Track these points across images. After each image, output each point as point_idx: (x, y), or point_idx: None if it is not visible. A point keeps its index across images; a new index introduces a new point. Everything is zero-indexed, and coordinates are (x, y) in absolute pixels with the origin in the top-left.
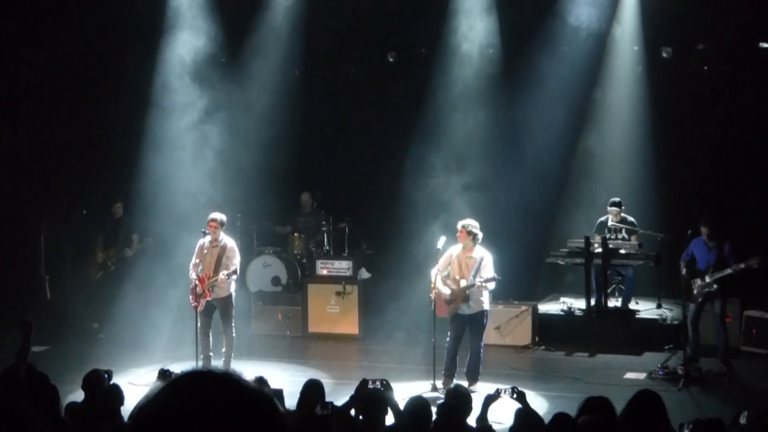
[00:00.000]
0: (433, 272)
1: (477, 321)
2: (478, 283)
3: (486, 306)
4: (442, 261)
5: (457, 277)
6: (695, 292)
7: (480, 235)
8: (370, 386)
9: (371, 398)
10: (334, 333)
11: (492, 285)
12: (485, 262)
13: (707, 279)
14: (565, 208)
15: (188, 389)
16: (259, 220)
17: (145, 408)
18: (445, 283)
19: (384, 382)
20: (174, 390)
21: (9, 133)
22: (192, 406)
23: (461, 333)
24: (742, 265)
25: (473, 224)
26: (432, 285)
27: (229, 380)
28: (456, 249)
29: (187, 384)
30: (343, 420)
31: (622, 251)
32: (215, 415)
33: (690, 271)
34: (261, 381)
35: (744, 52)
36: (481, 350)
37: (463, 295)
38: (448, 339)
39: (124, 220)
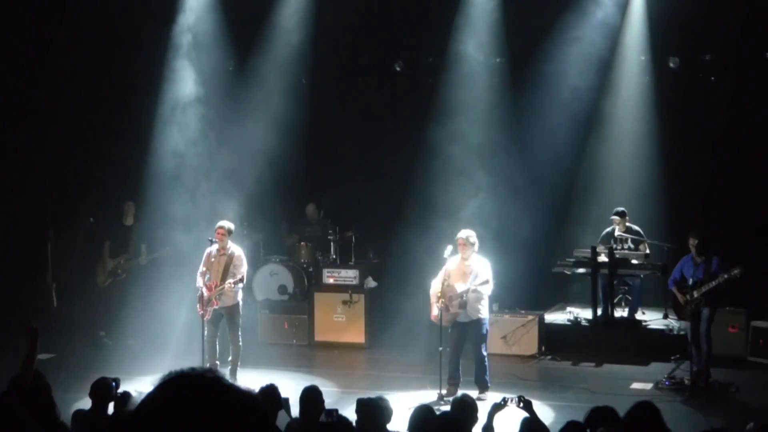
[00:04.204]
0: (434, 284)
1: (476, 328)
2: (473, 287)
3: (484, 314)
4: (441, 274)
5: (456, 286)
6: (687, 309)
7: (477, 244)
8: None
9: (371, 406)
10: (340, 342)
11: (487, 289)
12: (480, 270)
13: (695, 294)
14: (572, 217)
15: (177, 394)
16: (277, 225)
17: (135, 415)
18: (444, 292)
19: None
20: (162, 394)
21: (16, 141)
22: (180, 410)
23: (461, 341)
24: (726, 276)
25: (468, 233)
26: (438, 295)
27: (216, 381)
28: (453, 261)
29: (176, 388)
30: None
31: (629, 261)
32: (204, 417)
33: (679, 289)
34: (272, 388)
35: (751, 63)
36: (485, 358)
37: (459, 301)
38: (449, 348)
39: (134, 228)
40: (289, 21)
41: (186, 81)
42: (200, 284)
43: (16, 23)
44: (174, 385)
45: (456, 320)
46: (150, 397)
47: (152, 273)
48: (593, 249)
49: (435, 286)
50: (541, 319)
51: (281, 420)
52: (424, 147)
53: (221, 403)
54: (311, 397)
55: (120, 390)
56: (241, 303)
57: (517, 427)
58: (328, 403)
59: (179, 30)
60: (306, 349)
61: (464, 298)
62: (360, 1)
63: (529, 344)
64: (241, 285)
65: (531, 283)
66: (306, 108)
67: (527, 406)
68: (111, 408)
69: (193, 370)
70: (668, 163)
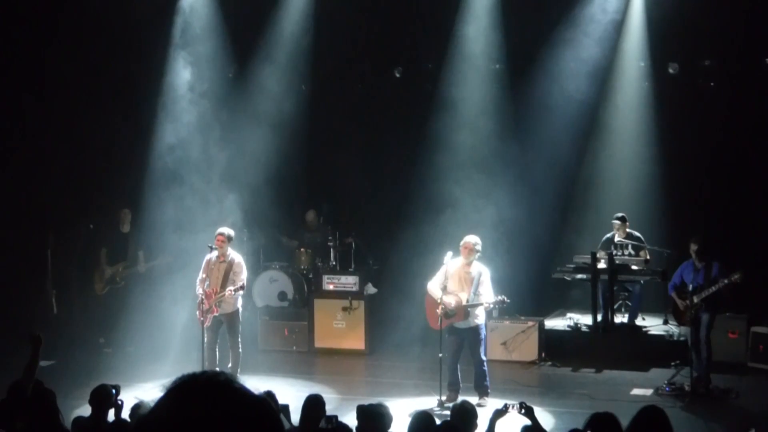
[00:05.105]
0: (431, 286)
1: (474, 335)
2: (486, 305)
3: (481, 320)
4: (438, 276)
5: (459, 294)
6: (686, 315)
7: (480, 253)
8: None
9: (371, 412)
10: (340, 348)
11: (489, 306)
12: (483, 278)
13: (695, 300)
14: (572, 223)
15: (187, 397)
16: (266, 230)
17: (146, 418)
18: (444, 299)
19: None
20: (174, 399)
21: (15, 148)
22: (192, 414)
23: (459, 347)
24: (726, 281)
25: (477, 241)
26: (438, 301)
27: (227, 384)
28: (452, 264)
29: (186, 391)
30: None
31: (629, 267)
32: (216, 421)
33: (679, 294)
34: (269, 395)
35: (751, 68)
36: (484, 364)
37: (464, 312)
38: (448, 354)
39: (131, 235)
40: (290, 27)
41: (184, 86)
42: (200, 291)
43: (17, 34)
44: (186, 388)
45: (453, 326)
46: (162, 399)
47: (151, 280)
48: (593, 255)
49: (434, 291)
50: (541, 325)
51: None
52: (423, 153)
53: (233, 405)
54: (313, 405)
55: (120, 397)
56: (241, 310)
57: None
58: (328, 409)
59: (179, 34)
60: (306, 356)
61: (468, 310)
62: (360, 7)
63: (529, 350)
64: (241, 292)
65: (531, 289)
66: (306, 114)
67: (528, 412)
68: (111, 415)
69: (204, 372)
70: (668, 169)
